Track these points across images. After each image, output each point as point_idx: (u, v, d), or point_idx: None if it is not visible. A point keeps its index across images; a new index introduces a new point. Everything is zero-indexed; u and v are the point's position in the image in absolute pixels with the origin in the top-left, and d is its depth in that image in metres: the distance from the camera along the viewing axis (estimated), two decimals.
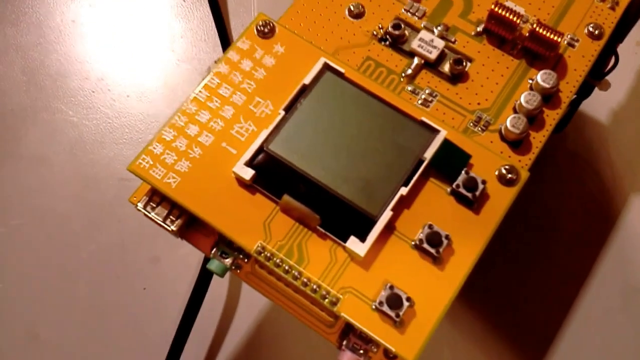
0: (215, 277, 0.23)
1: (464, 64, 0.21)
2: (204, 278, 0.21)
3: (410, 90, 0.21)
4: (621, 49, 0.24)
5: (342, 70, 0.20)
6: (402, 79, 0.21)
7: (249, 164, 0.18)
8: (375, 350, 0.17)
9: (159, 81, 0.29)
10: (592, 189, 0.27)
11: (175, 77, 0.29)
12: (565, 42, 0.22)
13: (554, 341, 0.25)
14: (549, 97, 0.21)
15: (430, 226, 0.17)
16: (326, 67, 0.20)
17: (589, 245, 0.27)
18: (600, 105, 0.29)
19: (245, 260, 0.18)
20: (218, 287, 0.25)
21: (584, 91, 0.26)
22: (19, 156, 0.28)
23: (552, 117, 0.21)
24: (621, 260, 0.26)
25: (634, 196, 0.27)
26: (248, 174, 0.18)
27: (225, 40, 0.29)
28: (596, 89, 0.26)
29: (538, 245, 0.27)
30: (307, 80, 0.19)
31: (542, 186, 0.28)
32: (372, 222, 0.17)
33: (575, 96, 0.26)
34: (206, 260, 0.20)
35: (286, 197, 0.17)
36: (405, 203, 0.18)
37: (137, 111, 0.29)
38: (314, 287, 0.17)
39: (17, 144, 0.28)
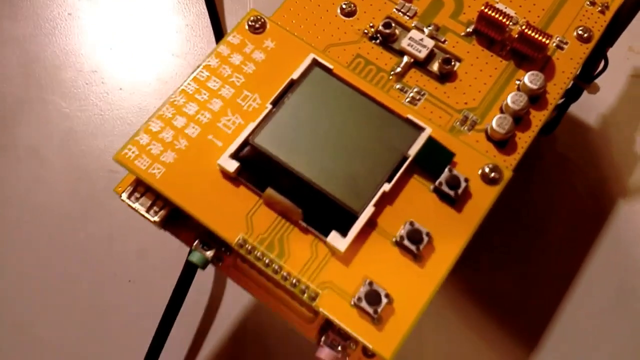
0: (201, 271, 0.23)
1: (453, 63, 0.21)
2: (188, 271, 0.21)
3: (398, 89, 0.21)
4: (613, 54, 0.25)
5: (330, 66, 0.20)
6: (391, 77, 0.21)
7: (234, 156, 0.18)
8: (353, 347, 0.17)
9: (153, 75, 0.29)
10: (581, 192, 0.27)
11: (169, 71, 0.30)
12: (554, 44, 0.22)
13: (541, 343, 0.25)
14: (535, 98, 0.21)
15: (411, 223, 0.17)
16: (315, 63, 0.20)
17: (577, 247, 0.27)
18: (591, 109, 0.29)
19: (228, 253, 0.18)
20: (203, 281, 0.25)
21: (573, 94, 0.26)
22: (11, 146, 0.28)
23: (538, 118, 0.21)
24: (609, 262, 0.26)
25: (622, 200, 0.27)
26: (232, 166, 0.18)
27: (220, 36, 0.29)
28: (585, 92, 0.26)
29: (527, 246, 0.27)
30: (295, 75, 0.19)
31: (532, 187, 0.28)
32: (354, 218, 0.17)
33: (563, 99, 0.26)
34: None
35: (269, 191, 0.18)
36: (387, 199, 0.18)
37: (130, 104, 0.29)
38: (294, 281, 0.17)
39: (10, 135, 0.28)
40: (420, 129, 0.19)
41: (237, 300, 0.25)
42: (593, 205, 0.27)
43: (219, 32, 0.29)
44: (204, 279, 0.25)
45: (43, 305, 0.25)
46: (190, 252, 0.18)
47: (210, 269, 0.25)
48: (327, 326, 0.17)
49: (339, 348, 0.17)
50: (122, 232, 0.26)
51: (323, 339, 0.17)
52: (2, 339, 0.25)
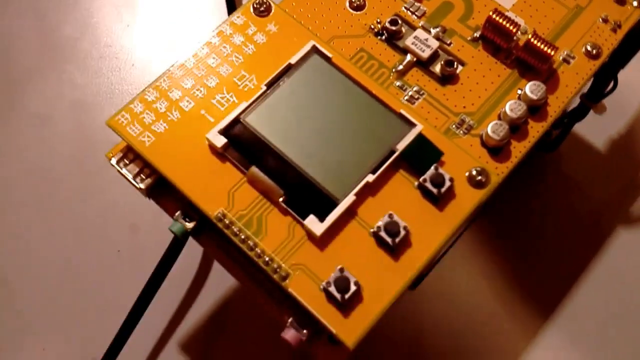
0: (190, 249, 0.23)
1: (456, 66, 0.21)
2: (174, 244, 0.21)
3: (398, 86, 0.21)
4: (631, 79, 0.24)
5: (329, 55, 0.20)
6: (392, 74, 0.21)
7: (223, 132, 0.18)
8: (321, 332, 0.17)
9: (166, 54, 0.30)
10: (581, 213, 0.27)
11: (182, 51, 0.30)
12: (561, 57, 0.21)
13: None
14: (535, 109, 0.21)
15: (390, 215, 0.17)
16: (314, 50, 0.20)
17: (570, 268, 0.26)
18: (599, 132, 0.29)
19: (208, 227, 0.18)
20: (190, 260, 0.25)
21: (579, 113, 0.26)
22: (20, 110, 0.29)
23: (536, 129, 0.20)
24: (601, 287, 0.26)
25: (620, 225, 0.27)
26: (220, 141, 0.18)
27: None
28: (596, 113, 0.26)
29: (519, 263, 0.26)
30: (293, 60, 0.19)
31: (532, 204, 0.27)
32: (334, 204, 0.17)
33: (567, 119, 0.26)
34: None
35: (253, 169, 0.18)
36: (370, 190, 0.18)
37: (140, 80, 0.29)
38: (267, 259, 0.17)
39: (21, 99, 0.29)
40: (412, 125, 0.19)
41: (222, 281, 0.25)
42: (591, 226, 0.27)
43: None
44: (191, 257, 0.25)
45: (33, 262, 0.26)
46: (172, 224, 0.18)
47: (200, 248, 0.25)
48: (296, 309, 0.17)
49: (304, 331, 0.17)
50: (117, 205, 0.27)
51: (290, 320, 0.17)
52: None
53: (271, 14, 0.21)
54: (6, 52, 0.30)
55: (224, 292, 0.25)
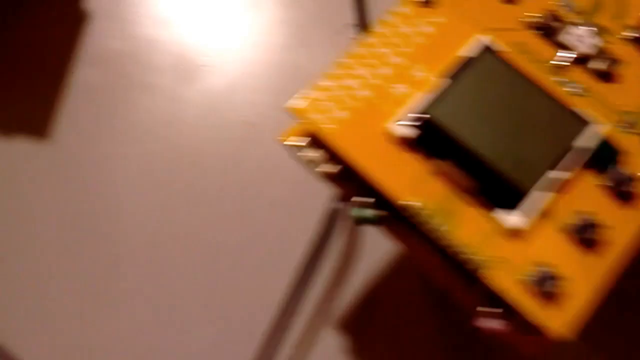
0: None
1: (615, 64, 0.21)
2: (328, 225, 0.21)
3: (556, 81, 0.21)
4: None
5: (503, 50, 0.20)
6: (549, 69, 0.21)
7: (407, 124, 0.18)
8: (511, 321, 0.17)
9: (294, 39, 0.30)
10: None
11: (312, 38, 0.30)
12: None
13: None
14: None
15: (581, 212, 0.17)
16: (488, 46, 0.20)
17: None
18: None
19: (387, 214, 0.19)
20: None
21: None
22: (161, 87, 0.29)
23: None
24: None
25: None
26: (404, 132, 0.18)
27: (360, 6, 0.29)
28: None
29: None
30: (467, 53, 0.20)
31: None
32: (524, 198, 0.18)
33: None
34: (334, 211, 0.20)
35: (442, 162, 0.18)
36: (558, 187, 0.18)
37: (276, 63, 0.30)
38: (460, 249, 0.17)
39: (158, 79, 0.29)
40: (590, 123, 0.19)
41: (371, 261, 0.25)
42: None
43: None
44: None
45: (180, 241, 0.26)
46: (351, 209, 0.19)
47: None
48: (486, 298, 0.17)
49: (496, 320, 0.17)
50: (257, 182, 0.27)
51: (484, 309, 0.17)
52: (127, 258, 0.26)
53: (436, 5, 0.21)
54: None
55: (374, 273, 0.26)
